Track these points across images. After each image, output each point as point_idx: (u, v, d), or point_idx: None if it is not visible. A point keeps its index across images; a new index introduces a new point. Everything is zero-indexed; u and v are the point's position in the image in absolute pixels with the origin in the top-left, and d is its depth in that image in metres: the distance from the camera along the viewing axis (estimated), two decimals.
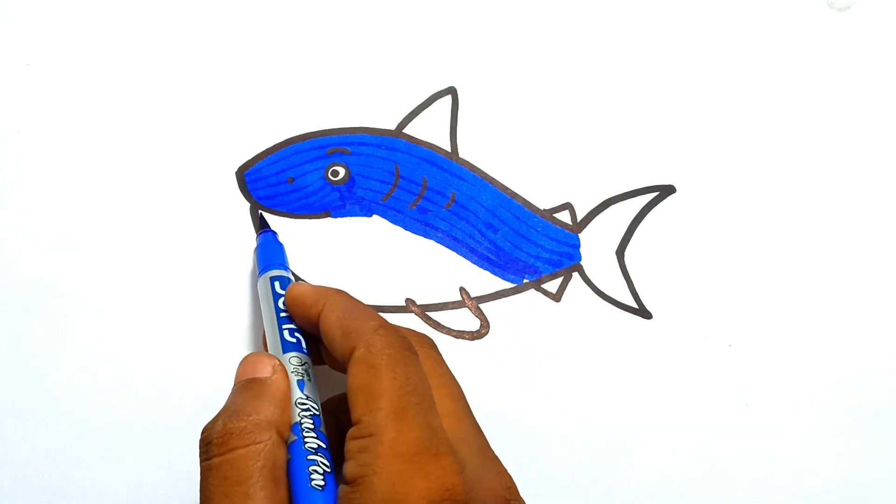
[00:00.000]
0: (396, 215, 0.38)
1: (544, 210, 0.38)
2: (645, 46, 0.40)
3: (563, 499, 0.35)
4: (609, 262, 0.38)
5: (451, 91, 0.39)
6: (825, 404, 0.36)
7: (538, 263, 0.38)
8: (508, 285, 0.38)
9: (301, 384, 0.29)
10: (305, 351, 0.30)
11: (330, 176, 0.38)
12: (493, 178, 0.38)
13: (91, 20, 0.39)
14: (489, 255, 0.38)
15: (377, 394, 0.26)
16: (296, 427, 0.27)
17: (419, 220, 0.38)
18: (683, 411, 0.36)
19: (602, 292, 0.37)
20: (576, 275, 0.38)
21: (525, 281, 0.38)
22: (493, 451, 0.28)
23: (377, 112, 0.39)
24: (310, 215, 0.38)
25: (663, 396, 0.36)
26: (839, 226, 0.38)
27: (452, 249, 0.38)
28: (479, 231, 0.38)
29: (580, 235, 0.38)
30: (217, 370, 0.36)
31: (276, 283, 0.32)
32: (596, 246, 0.38)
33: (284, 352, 0.30)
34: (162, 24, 0.39)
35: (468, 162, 0.38)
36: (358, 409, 0.26)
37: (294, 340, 0.30)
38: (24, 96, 0.39)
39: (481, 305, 0.37)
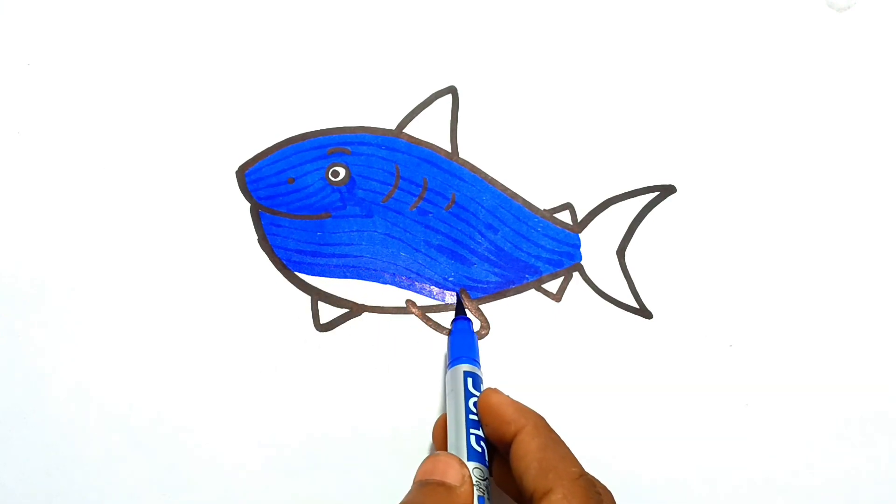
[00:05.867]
0: (397, 217, 0.38)
1: (545, 210, 0.38)
2: (645, 47, 0.40)
3: None
4: (610, 262, 0.38)
5: (452, 90, 0.39)
6: (825, 404, 0.36)
7: (539, 263, 0.38)
8: (509, 286, 0.38)
9: (482, 501, 0.27)
10: (487, 464, 0.29)
11: (330, 176, 0.38)
12: (493, 179, 0.38)
13: (91, 20, 0.39)
14: (490, 255, 0.38)
15: None
16: None
17: (420, 222, 0.38)
18: (683, 411, 0.36)
19: (603, 292, 0.37)
20: (576, 275, 0.38)
21: (526, 281, 0.38)
22: None
23: (377, 112, 0.39)
24: (310, 216, 0.38)
25: (663, 396, 0.36)
26: (839, 225, 0.38)
27: (453, 251, 0.38)
28: (480, 232, 0.38)
29: (581, 235, 0.38)
30: (216, 369, 0.36)
31: (470, 381, 0.31)
32: (596, 246, 0.38)
33: (468, 459, 0.28)
34: (162, 25, 0.39)
35: (468, 162, 0.38)
36: None
37: (479, 450, 0.29)
38: (24, 96, 0.39)
39: (482, 306, 0.37)
